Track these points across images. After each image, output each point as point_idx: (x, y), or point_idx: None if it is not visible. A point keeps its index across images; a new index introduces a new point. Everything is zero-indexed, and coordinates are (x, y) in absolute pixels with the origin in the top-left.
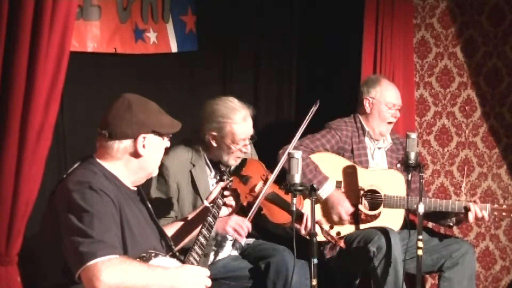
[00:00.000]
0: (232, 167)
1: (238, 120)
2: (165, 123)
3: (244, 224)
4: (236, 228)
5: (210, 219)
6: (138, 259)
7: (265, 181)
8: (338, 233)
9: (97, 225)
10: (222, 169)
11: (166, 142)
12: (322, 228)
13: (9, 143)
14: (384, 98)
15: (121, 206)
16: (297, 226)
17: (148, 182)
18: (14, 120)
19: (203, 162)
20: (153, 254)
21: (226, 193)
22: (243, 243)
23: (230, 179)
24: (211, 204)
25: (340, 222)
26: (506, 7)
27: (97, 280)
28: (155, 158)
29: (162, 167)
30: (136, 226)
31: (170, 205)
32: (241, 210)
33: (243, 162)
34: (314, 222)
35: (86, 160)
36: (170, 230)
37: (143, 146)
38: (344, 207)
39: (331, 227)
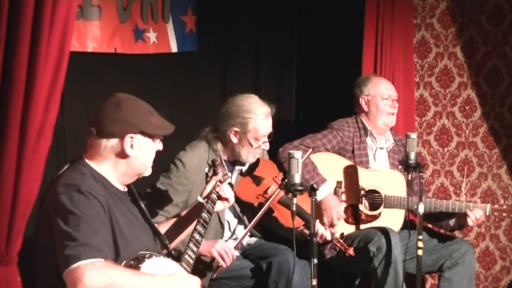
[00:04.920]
0: (245, 168)
1: (261, 116)
2: (155, 124)
3: (230, 252)
4: (221, 253)
5: (205, 215)
6: (131, 261)
7: (277, 183)
8: (347, 242)
9: (84, 228)
10: (216, 163)
11: (157, 145)
12: (333, 235)
13: (9, 143)
14: (378, 91)
15: (110, 207)
16: (307, 232)
17: (156, 173)
18: (14, 120)
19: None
20: (147, 255)
21: (222, 187)
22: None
23: (226, 172)
24: (205, 200)
25: (327, 225)
26: (506, 7)
27: (80, 282)
28: (144, 159)
29: (180, 163)
30: (126, 226)
31: (174, 200)
32: (250, 211)
33: (256, 162)
34: (315, 222)
35: (76, 161)
36: (164, 227)
37: (131, 146)
38: (337, 213)
39: (342, 235)
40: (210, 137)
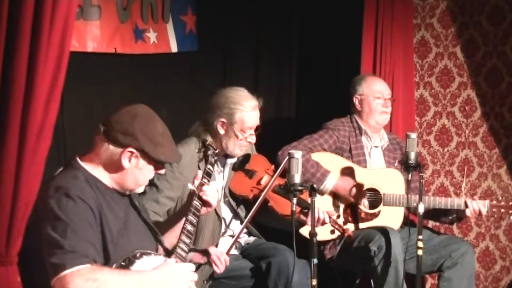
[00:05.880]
0: (237, 162)
1: (248, 108)
2: (161, 150)
3: (223, 257)
4: (214, 259)
5: (196, 202)
6: (122, 263)
7: (270, 175)
8: (345, 222)
9: (70, 234)
10: (207, 143)
11: (159, 170)
12: (329, 217)
13: (9, 143)
14: (370, 90)
15: (102, 211)
16: (304, 218)
17: None
18: (14, 120)
19: None
20: (137, 255)
21: (205, 188)
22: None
23: (216, 151)
24: (197, 186)
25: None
26: (506, 7)
27: None
28: (137, 177)
29: None
30: (119, 229)
31: (170, 194)
32: (246, 205)
33: (248, 157)
34: (314, 222)
35: (70, 163)
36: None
37: (129, 160)
38: (353, 185)
39: (338, 217)
40: (200, 130)
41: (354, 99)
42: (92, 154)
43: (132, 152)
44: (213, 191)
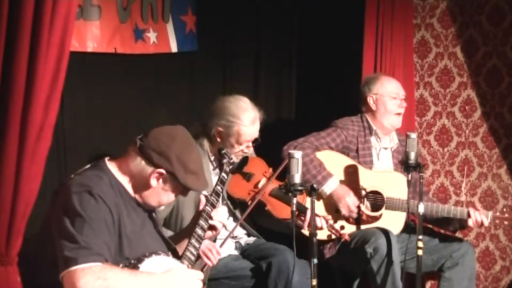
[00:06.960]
0: (235, 164)
1: (246, 122)
2: (190, 177)
3: (214, 249)
4: (206, 252)
5: (208, 208)
6: (132, 261)
7: (268, 177)
8: (342, 227)
9: (87, 231)
10: (223, 151)
11: (183, 195)
12: (326, 222)
13: (9, 143)
14: (386, 90)
15: (121, 214)
16: (300, 222)
17: None
18: (14, 120)
19: (207, 159)
20: (146, 254)
21: (213, 214)
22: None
23: (231, 160)
24: (210, 193)
25: (348, 216)
26: (506, 7)
27: (75, 287)
28: (161, 198)
29: None
30: (134, 233)
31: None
32: (244, 208)
33: (246, 160)
34: (315, 222)
35: (97, 164)
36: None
37: (157, 180)
38: (351, 199)
39: (335, 221)
40: (198, 131)
41: (368, 98)
42: (122, 161)
43: (161, 174)
44: (223, 217)
